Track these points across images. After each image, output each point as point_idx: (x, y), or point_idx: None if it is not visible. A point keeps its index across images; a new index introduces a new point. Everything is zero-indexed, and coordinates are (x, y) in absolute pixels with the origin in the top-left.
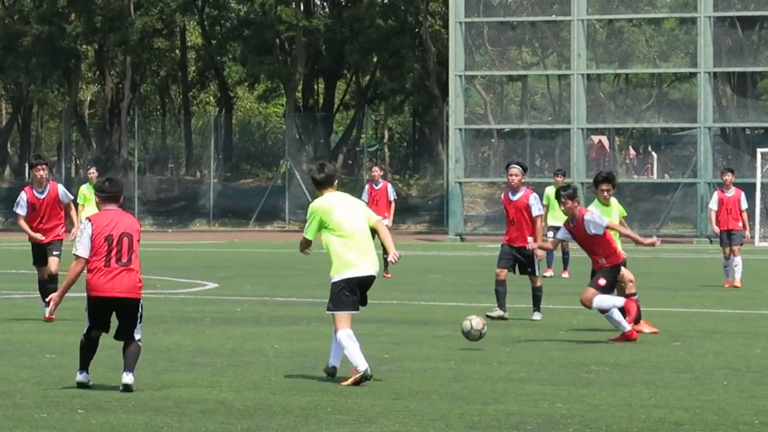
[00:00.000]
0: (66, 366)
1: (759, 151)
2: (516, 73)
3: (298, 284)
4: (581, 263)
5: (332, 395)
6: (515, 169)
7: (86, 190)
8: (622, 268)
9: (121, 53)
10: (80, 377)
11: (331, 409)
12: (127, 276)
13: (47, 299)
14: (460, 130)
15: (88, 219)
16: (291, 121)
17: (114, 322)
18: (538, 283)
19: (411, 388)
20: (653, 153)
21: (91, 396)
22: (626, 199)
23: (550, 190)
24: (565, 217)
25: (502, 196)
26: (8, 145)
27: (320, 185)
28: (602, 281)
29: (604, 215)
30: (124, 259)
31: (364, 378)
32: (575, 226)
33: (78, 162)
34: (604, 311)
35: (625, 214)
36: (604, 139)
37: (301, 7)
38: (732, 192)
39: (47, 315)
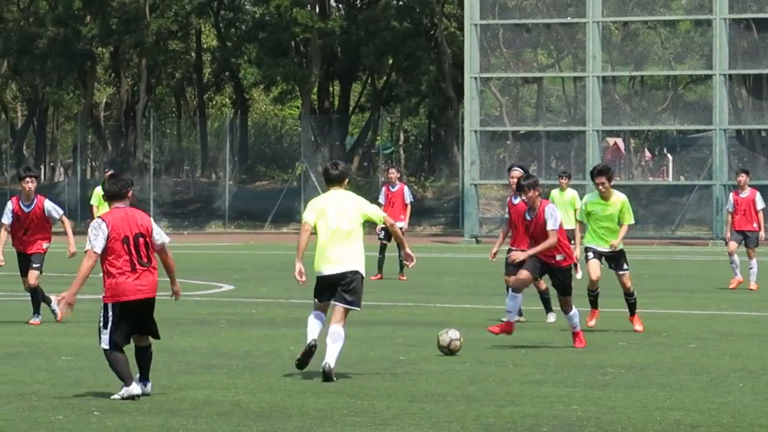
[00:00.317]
0: (82, 368)
1: None
2: (531, 75)
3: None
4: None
5: (347, 397)
6: (517, 171)
7: (101, 192)
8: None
9: (137, 55)
10: (137, 389)
11: (346, 411)
12: (151, 276)
13: (58, 298)
14: (476, 132)
15: (102, 218)
16: (306, 123)
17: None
18: (543, 286)
19: (427, 390)
20: (669, 155)
21: (107, 398)
22: (642, 201)
23: (555, 193)
24: (571, 220)
25: (507, 200)
26: (24, 147)
27: (330, 181)
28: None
29: (605, 209)
30: (145, 260)
31: (309, 349)
32: (533, 219)
33: (93, 164)
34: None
35: (631, 222)
36: (620, 141)
37: (317, 9)
38: (746, 193)
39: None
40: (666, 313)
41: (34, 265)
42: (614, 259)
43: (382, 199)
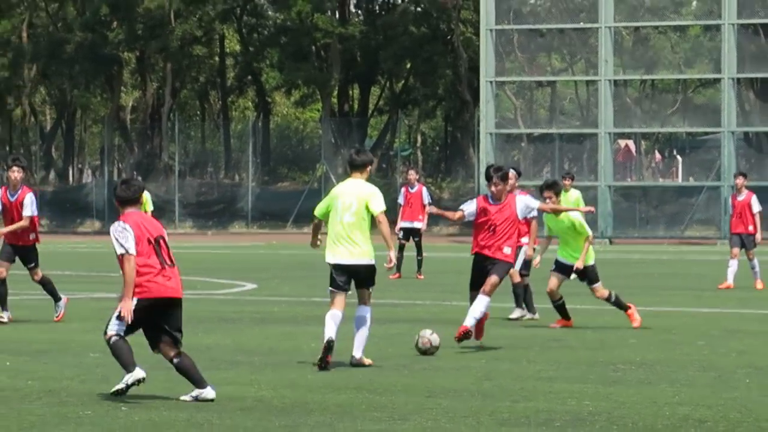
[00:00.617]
0: (109, 365)
1: None
2: (545, 78)
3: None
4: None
5: (367, 393)
6: (511, 173)
7: None
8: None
9: (162, 60)
10: (140, 373)
11: (365, 406)
12: (177, 276)
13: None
14: (491, 134)
15: (122, 221)
16: (327, 125)
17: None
18: (516, 279)
19: (443, 386)
20: (678, 157)
21: (134, 394)
22: (652, 202)
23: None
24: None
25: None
26: (53, 150)
27: (352, 167)
28: (495, 277)
29: (555, 221)
30: (168, 262)
31: (328, 346)
32: (497, 204)
33: (120, 166)
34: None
35: (588, 234)
36: (631, 144)
37: (337, 15)
38: (743, 196)
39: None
40: (675, 311)
41: (30, 266)
42: (584, 275)
43: (401, 200)
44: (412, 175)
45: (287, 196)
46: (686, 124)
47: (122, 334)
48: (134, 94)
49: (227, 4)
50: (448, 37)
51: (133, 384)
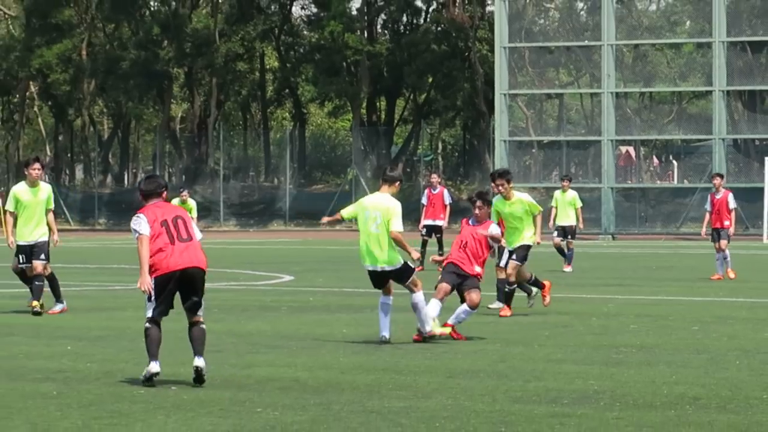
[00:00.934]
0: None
1: (767, 159)
2: (553, 91)
3: (363, 277)
4: (582, 258)
5: (393, 374)
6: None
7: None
8: None
9: (208, 75)
10: (155, 367)
11: (392, 386)
12: (192, 248)
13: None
14: (505, 141)
15: (138, 212)
16: (357, 134)
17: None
18: (501, 275)
19: (462, 367)
20: (674, 161)
21: (183, 375)
22: (651, 201)
23: (558, 194)
24: (570, 217)
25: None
26: (110, 156)
27: (383, 181)
28: (476, 294)
29: (506, 208)
30: (184, 236)
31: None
32: (474, 225)
33: (171, 170)
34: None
35: (538, 210)
36: (631, 150)
37: (365, 34)
38: (720, 194)
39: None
40: (672, 300)
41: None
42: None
43: (424, 200)
44: (435, 178)
45: (321, 197)
46: (681, 132)
47: (155, 316)
48: (183, 106)
49: (267, 25)
50: (466, 54)
51: (149, 377)
